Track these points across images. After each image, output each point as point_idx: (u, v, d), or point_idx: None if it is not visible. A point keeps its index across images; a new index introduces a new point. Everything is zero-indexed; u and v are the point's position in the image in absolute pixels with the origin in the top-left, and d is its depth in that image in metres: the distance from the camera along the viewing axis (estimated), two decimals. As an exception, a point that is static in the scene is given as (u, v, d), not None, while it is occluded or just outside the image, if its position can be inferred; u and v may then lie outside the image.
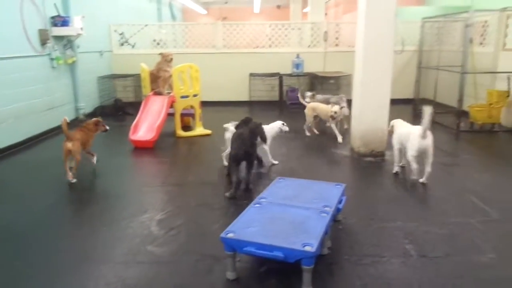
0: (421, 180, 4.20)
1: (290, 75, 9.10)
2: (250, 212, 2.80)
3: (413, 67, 8.65)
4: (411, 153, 4.16)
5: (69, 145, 4.21)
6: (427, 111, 4.00)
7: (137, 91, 8.91)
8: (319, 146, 5.81)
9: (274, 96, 9.41)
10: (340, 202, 3.05)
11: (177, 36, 9.76)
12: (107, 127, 4.87)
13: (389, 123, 5.13)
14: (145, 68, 6.48)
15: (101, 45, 8.61)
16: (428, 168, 4.18)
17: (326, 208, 2.81)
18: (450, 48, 8.17)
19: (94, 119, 4.82)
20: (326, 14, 11.98)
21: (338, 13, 16.20)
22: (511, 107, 6.58)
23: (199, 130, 6.52)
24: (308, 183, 3.36)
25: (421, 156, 4.19)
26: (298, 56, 8.96)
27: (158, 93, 6.47)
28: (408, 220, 3.36)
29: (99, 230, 3.26)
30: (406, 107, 8.37)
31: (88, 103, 7.77)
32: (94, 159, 4.81)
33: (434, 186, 4.17)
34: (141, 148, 5.65)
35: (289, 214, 2.73)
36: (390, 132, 4.69)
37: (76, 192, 4.14)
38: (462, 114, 6.70)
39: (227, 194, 3.85)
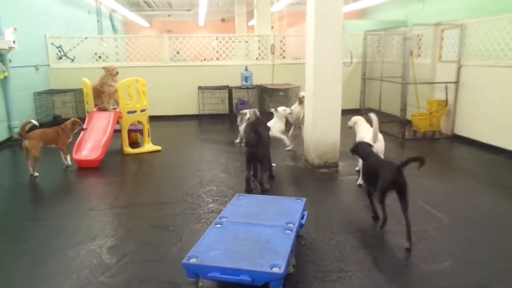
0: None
1: (239, 87, 9.05)
2: (212, 233, 2.65)
3: (357, 78, 8.97)
4: None
5: (26, 143, 4.84)
6: (374, 117, 4.30)
7: (77, 107, 8.41)
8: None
9: (224, 109, 9.31)
10: (302, 217, 2.99)
11: (120, 49, 9.39)
12: (84, 126, 5.41)
13: (340, 133, 5.25)
14: (87, 83, 6.11)
15: (37, 59, 8.04)
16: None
17: (289, 225, 2.74)
18: (391, 59, 8.58)
19: (72, 119, 5.32)
20: (272, 27, 12.13)
21: (282, 26, 16.56)
22: (450, 115, 6.99)
23: (148, 146, 6.24)
24: (268, 199, 3.27)
25: None
26: (246, 69, 8.96)
27: (103, 109, 6.11)
28: (366, 230, 3.38)
29: (42, 262, 2.93)
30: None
31: (23, 121, 7.15)
32: (68, 160, 5.27)
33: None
34: (86, 168, 5.28)
35: (253, 234, 2.62)
36: (350, 127, 4.97)
37: (15, 220, 3.74)
38: (406, 123, 7.02)
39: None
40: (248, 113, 6.21)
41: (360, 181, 4.53)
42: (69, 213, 3.83)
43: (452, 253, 3.02)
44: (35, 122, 5.15)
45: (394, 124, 7.41)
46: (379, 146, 4.32)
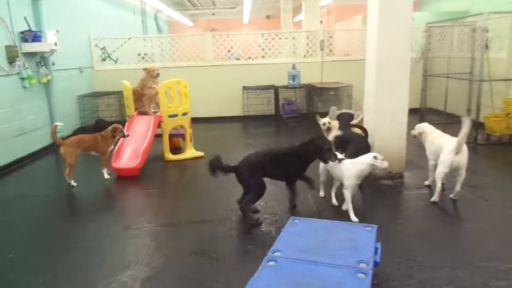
0: (451, 196, 3.85)
1: (286, 87, 8.48)
2: (264, 274, 2.13)
3: (417, 75, 8.10)
4: (442, 169, 3.72)
5: (61, 149, 4.58)
6: (466, 122, 3.60)
7: (122, 110, 8.22)
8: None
9: (270, 110, 8.80)
10: (375, 251, 2.39)
11: (164, 49, 9.12)
12: (126, 133, 4.97)
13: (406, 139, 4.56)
14: (127, 86, 5.79)
15: (80, 61, 7.91)
16: (458, 187, 3.78)
17: (362, 265, 2.15)
18: (456, 54, 7.65)
19: (113, 125, 4.90)
20: (321, 22, 11.44)
21: (330, 21, 15.77)
22: (531, 116, 6.04)
23: (190, 152, 5.83)
24: (330, 225, 2.70)
25: (452, 173, 3.76)
26: (294, 67, 8.36)
27: (143, 113, 5.78)
28: (455, 265, 2.71)
29: (67, 296, 2.55)
30: (413, 117, 7.76)
31: (67, 125, 7.03)
32: (105, 173, 4.87)
33: (470, 215, 3.55)
34: (125, 177, 4.95)
35: (316, 277, 2.06)
36: (414, 137, 4.35)
37: (44, 240, 3.41)
38: (478, 125, 6.14)
39: None
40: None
41: (435, 197, 3.83)
42: (103, 232, 3.45)
43: None
44: (60, 124, 5.05)
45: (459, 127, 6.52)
46: (462, 159, 3.66)
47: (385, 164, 3.44)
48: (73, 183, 4.63)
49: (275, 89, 8.53)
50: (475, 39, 7.33)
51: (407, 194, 4.18)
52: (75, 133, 7.13)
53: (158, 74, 5.86)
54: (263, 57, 8.87)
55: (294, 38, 9.42)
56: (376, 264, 2.31)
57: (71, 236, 3.42)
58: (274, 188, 4.02)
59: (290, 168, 3.57)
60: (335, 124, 4.98)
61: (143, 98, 5.77)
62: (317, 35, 8.74)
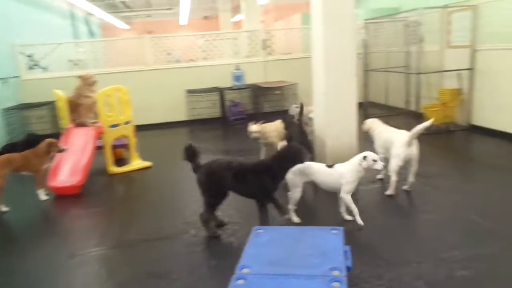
0: (405, 187, 3.97)
1: (231, 88, 8.33)
2: (234, 295, 1.96)
3: (359, 70, 8.32)
4: (397, 163, 3.79)
5: None
6: (427, 123, 3.81)
7: (55, 122, 7.58)
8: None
9: (216, 112, 8.60)
10: (346, 255, 2.31)
11: (99, 55, 8.58)
12: (62, 147, 4.49)
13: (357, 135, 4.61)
14: (61, 96, 5.31)
15: (3, 71, 7.19)
16: (411, 178, 3.91)
17: (335, 273, 2.05)
18: (393, 49, 7.96)
19: (47, 140, 4.42)
20: (262, 21, 11.42)
21: (268, 20, 15.85)
22: (465, 104, 6.40)
23: (136, 163, 5.49)
24: (295, 232, 2.58)
25: (404, 165, 3.85)
26: (238, 68, 8.23)
27: (81, 124, 5.34)
28: (420, 259, 2.71)
29: None
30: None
31: (-9, 143, 6.36)
32: (41, 194, 4.41)
33: (425, 206, 3.63)
34: (65, 196, 4.52)
35: (290, 292, 1.93)
36: (365, 133, 4.38)
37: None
38: (416, 115, 6.41)
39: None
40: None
41: (391, 191, 3.88)
42: (45, 263, 3.07)
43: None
44: None
45: (402, 118, 6.78)
46: (414, 151, 3.78)
47: (377, 166, 3.25)
48: (4, 208, 4.13)
49: (220, 91, 8.35)
50: (408, 33, 7.70)
51: (361, 189, 4.19)
52: (3, 150, 6.44)
53: (94, 82, 5.44)
54: (205, 59, 8.65)
55: (235, 39, 9.29)
56: (348, 269, 2.23)
57: (5, 270, 3.01)
58: (231, 195, 3.85)
59: (257, 186, 3.15)
60: (270, 128, 4.67)
61: (79, 108, 5.32)
62: (258, 34, 8.68)
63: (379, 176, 4.38)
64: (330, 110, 4.38)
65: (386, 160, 3.92)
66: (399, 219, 3.42)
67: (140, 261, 2.99)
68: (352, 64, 4.33)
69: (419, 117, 6.36)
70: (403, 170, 3.92)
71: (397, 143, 3.80)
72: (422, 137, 6.09)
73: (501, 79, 5.70)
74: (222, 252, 3.03)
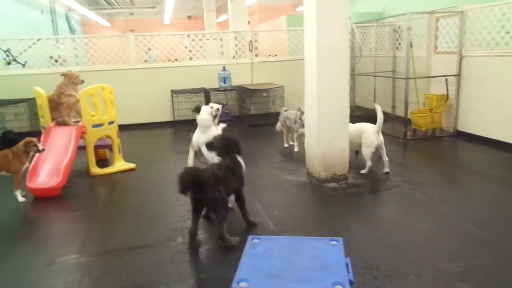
0: (385, 171, 4.61)
1: (217, 89, 8.18)
2: (231, 313, 1.82)
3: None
4: (370, 150, 4.53)
5: None
6: (379, 108, 4.51)
7: (33, 119, 7.28)
8: (270, 173, 4.94)
9: (201, 114, 8.40)
10: (347, 269, 2.20)
11: (79, 52, 8.30)
12: (41, 147, 4.31)
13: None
14: (41, 93, 5.07)
15: (-21, 66, 6.86)
16: (386, 158, 4.61)
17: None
18: (381, 53, 7.98)
19: (25, 138, 4.21)
20: (249, 22, 11.31)
21: (253, 22, 15.76)
22: (451, 110, 6.44)
23: (119, 164, 5.28)
24: (292, 243, 2.46)
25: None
26: (224, 69, 8.09)
27: (62, 124, 5.10)
28: (418, 271, 2.63)
29: None
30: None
31: (-35, 141, 6.03)
32: (19, 195, 4.19)
33: (419, 215, 3.57)
34: (44, 198, 4.29)
35: (292, 309, 1.81)
36: None
37: None
38: (403, 121, 6.41)
39: None
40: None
41: (365, 171, 4.56)
42: (21, 271, 2.86)
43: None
44: None
45: (390, 123, 6.77)
46: (382, 138, 4.57)
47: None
48: None
49: (206, 92, 8.18)
50: (395, 38, 7.72)
51: (354, 194, 4.12)
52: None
53: (82, 81, 5.22)
54: (190, 58, 8.47)
55: (221, 39, 9.14)
56: (351, 283, 2.12)
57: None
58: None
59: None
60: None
61: (61, 107, 5.09)
62: (245, 35, 8.56)
63: (364, 171, 4.62)
64: (322, 114, 4.29)
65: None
66: (394, 228, 3.35)
67: (124, 271, 2.82)
68: (345, 68, 4.26)
69: (407, 122, 6.36)
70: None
71: (368, 133, 4.56)
72: (410, 143, 6.16)
73: (487, 85, 5.75)
74: (211, 263, 2.90)
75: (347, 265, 2.25)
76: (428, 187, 4.22)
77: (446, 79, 6.38)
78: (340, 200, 3.99)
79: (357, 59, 7.39)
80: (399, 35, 7.58)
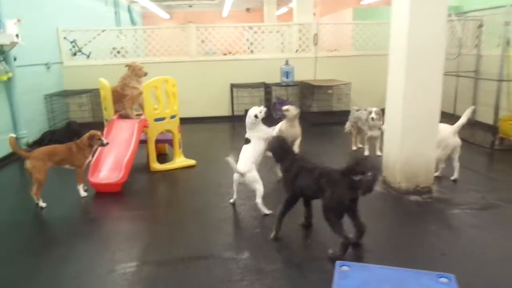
0: (454, 177, 4.20)
1: (279, 84, 7.81)
2: None
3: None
4: (445, 152, 4.12)
5: (27, 163, 3.75)
6: (468, 111, 4.13)
7: (95, 110, 7.33)
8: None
9: (261, 109, 8.09)
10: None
11: (140, 43, 8.26)
12: (105, 141, 4.16)
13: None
14: (105, 85, 4.95)
15: (47, 56, 6.95)
16: (457, 163, 4.17)
17: None
18: (467, 52, 7.17)
19: (90, 132, 4.08)
20: (314, 14, 10.80)
21: (316, 15, 15.18)
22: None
23: (179, 160, 5.08)
24: (395, 276, 2.05)
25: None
26: (287, 63, 7.69)
27: (125, 116, 4.97)
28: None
29: None
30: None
31: (32, 129, 6.11)
32: (81, 190, 4.08)
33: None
34: (105, 193, 4.16)
35: None
36: None
37: (4, 286, 2.63)
38: (489, 128, 5.68)
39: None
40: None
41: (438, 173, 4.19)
42: (80, 279, 2.66)
43: None
44: (13, 135, 3.81)
45: (474, 130, 6.02)
46: (459, 140, 4.13)
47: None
48: (41, 203, 3.81)
49: (266, 86, 7.84)
50: (480, 34, 6.90)
51: (442, 211, 3.60)
52: (43, 136, 6.19)
53: (145, 74, 5.06)
54: (252, 51, 8.15)
55: (281, 33, 8.73)
56: None
57: (41, 280, 2.64)
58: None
59: None
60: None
61: (124, 100, 4.96)
62: (310, 28, 8.09)
63: (437, 174, 4.23)
64: (408, 117, 3.78)
65: None
66: (505, 265, 2.81)
67: (191, 285, 2.54)
68: (439, 66, 3.71)
69: (495, 130, 5.61)
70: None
71: (445, 134, 4.08)
72: (497, 153, 5.43)
73: None
74: (288, 285, 2.54)
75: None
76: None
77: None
78: (428, 218, 3.47)
79: (454, 57, 6.64)
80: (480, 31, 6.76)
